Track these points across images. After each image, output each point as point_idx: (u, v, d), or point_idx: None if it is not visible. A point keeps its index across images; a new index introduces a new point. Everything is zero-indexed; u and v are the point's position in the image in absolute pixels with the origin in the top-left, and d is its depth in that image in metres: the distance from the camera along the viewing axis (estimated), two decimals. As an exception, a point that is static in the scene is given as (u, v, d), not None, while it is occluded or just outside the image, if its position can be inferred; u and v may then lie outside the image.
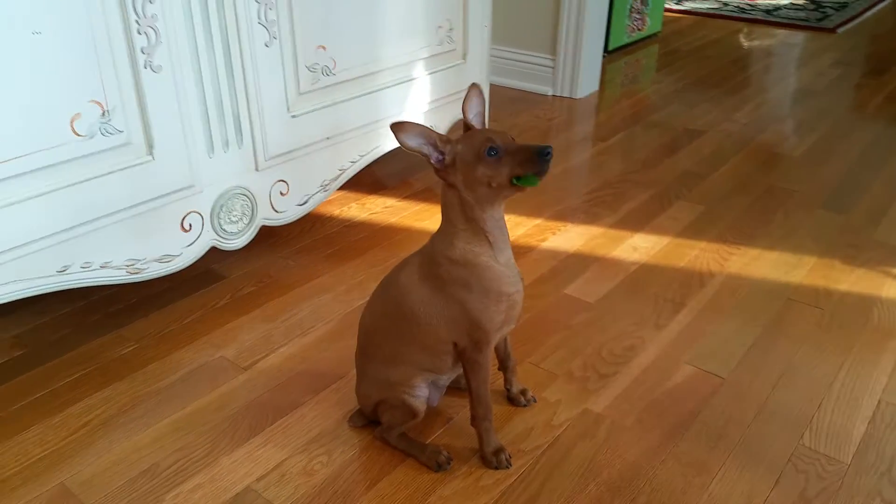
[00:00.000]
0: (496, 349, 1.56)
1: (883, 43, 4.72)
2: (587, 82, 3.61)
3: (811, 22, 4.99)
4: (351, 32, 2.08)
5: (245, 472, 1.44)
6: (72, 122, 1.54)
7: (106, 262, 1.67)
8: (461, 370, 1.44)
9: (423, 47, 2.36)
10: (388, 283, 1.45)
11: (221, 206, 1.87)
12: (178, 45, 1.67)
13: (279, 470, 1.45)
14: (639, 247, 2.25)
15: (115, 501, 1.39)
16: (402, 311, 1.39)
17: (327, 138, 2.10)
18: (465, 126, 1.34)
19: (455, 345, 1.38)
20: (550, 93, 3.63)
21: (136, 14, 1.57)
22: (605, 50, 4.06)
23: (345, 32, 2.06)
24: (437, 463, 1.45)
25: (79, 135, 1.56)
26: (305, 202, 2.11)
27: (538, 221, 2.39)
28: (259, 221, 1.99)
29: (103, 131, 1.60)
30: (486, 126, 1.39)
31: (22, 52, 1.44)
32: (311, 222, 2.35)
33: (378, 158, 2.32)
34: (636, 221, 2.40)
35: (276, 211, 2.03)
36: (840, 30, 4.86)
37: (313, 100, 2.04)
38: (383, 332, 1.44)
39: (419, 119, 2.37)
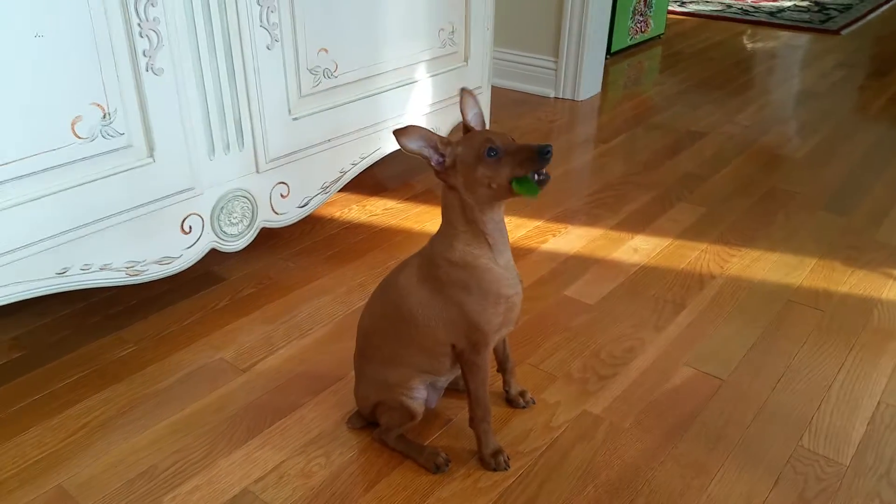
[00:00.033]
0: (495, 351, 1.56)
1: (887, 45, 4.71)
2: (589, 84, 3.61)
3: (815, 24, 4.98)
4: (353, 35, 2.09)
5: (243, 474, 1.45)
6: (73, 124, 1.55)
7: (106, 264, 1.68)
8: (459, 372, 1.44)
9: (425, 50, 2.36)
10: (387, 285, 1.45)
11: (222, 208, 1.88)
12: (179, 48, 1.67)
13: (277, 472, 1.45)
14: (639, 248, 2.25)
15: (112, 503, 1.39)
16: (400, 313, 1.39)
17: (328, 140, 2.11)
18: (465, 128, 1.35)
19: (453, 346, 1.38)
20: (553, 95, 3.63)
21: (139, 17, 1.58)
22: (608, 52, 4.06)
23: (347, 35, 2.07)
24: (435, 465, 1.45)
25: (79, 137, 1.56)
26: (306, 204, 2.12)
27: (539, 223, 2.40)
28: (259, 223, 2.00)
29: (104, 134, 1.60)
30: (487, 127, 1.40)
31: (23, 54, 1.44)
32: (312, 224, 2.35)
33: (379, 160, 2.33)
34: (637, 223, 2.40)
35: (277, 213, 2.04)
36: (844, 32, 4.86)
37: (314, 102, 2.05)
38: (382, 333, 1.44)
39: (420, 122, 2.38)
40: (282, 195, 2.03)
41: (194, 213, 1.82)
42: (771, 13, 5.25)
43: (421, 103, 2.39)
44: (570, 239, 2.30)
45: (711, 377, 1.71)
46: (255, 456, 1.49)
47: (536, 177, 1.24)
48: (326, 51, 2.03)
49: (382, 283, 1.47)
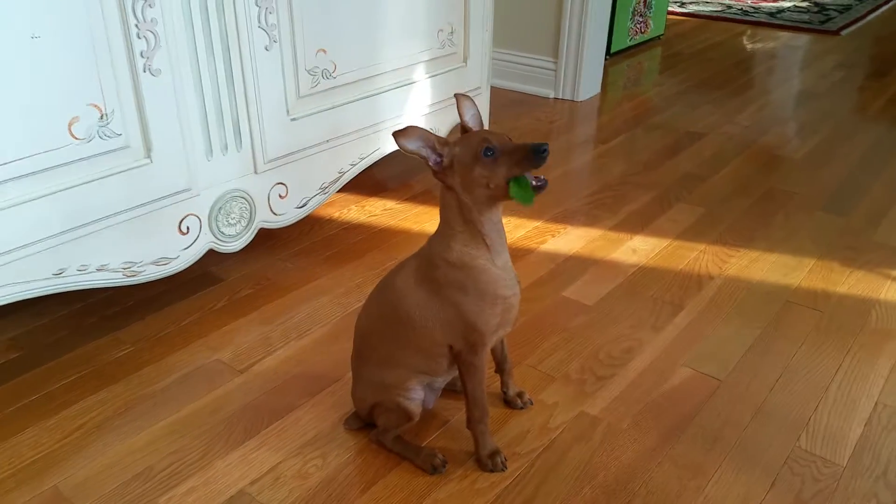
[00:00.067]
0: (493, 352, 1.56)
1: (886, 45, 4.70)
2: (589, 85, 3.61)
3: (814, 24, 4.98)
4: (351, 35, 2.08)
5: (239, 476, 1.44)
6: (70, 125, 1.54)
7: (103, 265, 1.67)
8: (457, 373, 1.43)
9: (424, 50, 2.36)
10: (385, 286, 1.45)
11: (219, 208, 1.88)
12: (177, 49, 1.67)
13: (273, 473, 1.45)
14: (638, 249, 2.25)
15: (108, 504, 1.39)
16: (397, 314, 1.39)
17: (327, 141, 2.10)
18: (463, 129, 1.35)
19: (451, 347, 1.38)
20: (552, 96, 3.63)
21: (136, 18, 1.58)
22: (608, 53, 4.06)
23: (345, 36, 2.07)
24: (432, 466, 1.45)
25: (76, 138, 1.56)
26: (304, 205, 2.11)
27: (538, 224, 2.39)
28: (257, 224, 2.00)
29: (101, 134, 1.60)
30: (485, 128, 1.40)
31: (20, 55, 1.44)
32: (310, 225, 2.35)
33: (379, 161, 2.33)
34: (636, 224, 2.40)
35: (275, 213, 2.04)
36: (843, 32, 4.85)
37: (313, 103, 2.05)
38: (379, 334, 1.44)
39: (419, 122, 2.38)
40: (280, 196, 2.03)
41: (192, 214, 1.82)
42: (770, 14, 5.25)
43: (420, 104, 2.39)
44: (569, 239, 2.30)
45: (709, 378, 1.71)
46: (252, 457, 1.49)
47: (534, 182, 1.24)
48: (325, 51, 2.02)
49: (380, 284, 1.47)
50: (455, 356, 1.39)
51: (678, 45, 4.56)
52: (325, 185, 2.16)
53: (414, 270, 1.38)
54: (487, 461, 1.46)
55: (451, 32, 2.43)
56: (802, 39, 4.75)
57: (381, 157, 2.31)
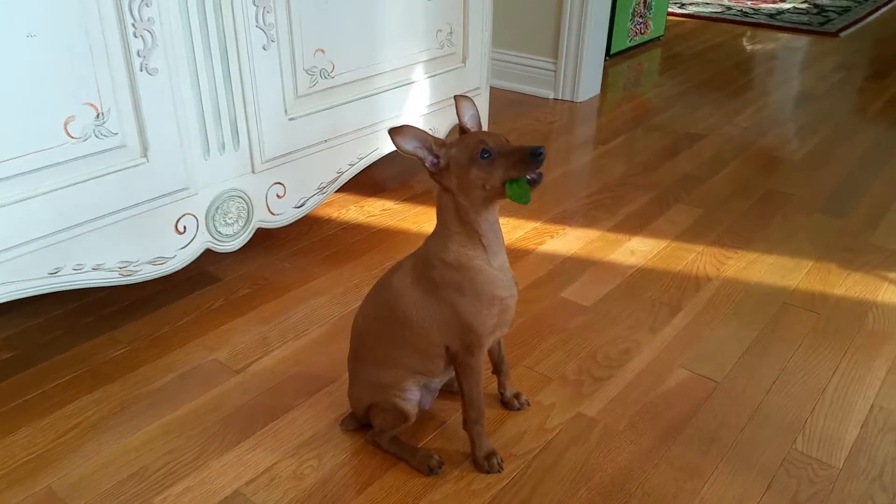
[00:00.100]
0: (490, 353, 1.56)
1: (885, 47, 4.70)
2: (589, 86, 3.61)
3: (814, 26, 4.98)
4: (350, 35, 2.08)
5: (234, 476, 1.44)
6: (66, 124, 1.54)
7: (99, 264, 1.67)
8: (453, 373, 1.43)
9: (423, 51, 2.36)
10: (382, 286, 1.44)
11: (217, 208, 1.87)
12: (174, 49, 1.67)
13: (269, 474, 1.45)
14: (636, 250, 2.25)
15: (103, 504, 1.39)
16: (394, 314, 1.38)
17: (325, 141, 2.10)
18: (461, 129, 1.34)
19: (447, 348, 1.38)
20: (552, 96, 3.63)
21: (133, 17, 1.57)
22: (608, 54, 4.06)
23: (344, 35, 2.06)
24: (428, 467, 1.45)
25: (72, 137, 1.56)
26: (302, 205, 2.11)
27: (536, 225, 2.39)
28: (255, 224, 1.99)
29: (97, 134, 1.60)
30: (484, 128, 1.39)
31: (16, 54, 1.44)
32: (309, 224, 2.35)
33: (378, 161, 2.32)
34: (634, 225, 2.40)
35: (273, 213, 2.03)
36: (843, 34, 4.85)
37: (311, 103, 2.04)
38: (375, 334, 1.44)
39: (418, 123, 2.37)
40: (278, 195, 2.03)
41: (189, 214, 1.82)
42: (770, 15, 5.25)
43: (419, 104, 2.39)
44: (568, 240, 2.30)
45: (706, 379, 1.71)
46: (247, 457, 1.48)
47: (529, 175, 1.24)
48: (323, 51, 2.02)
49: (377, 284, 1.46)
50: (451, 357, 1.38)
51: (678, 46, 4.56)
52: (324, 185, 2.16)
53: (411, 270, 1.38)
54: (484, 462, 1.45)
55: (451, 32, 2.43)
56: (802, 41, 4.75)
57: (379, 157, 2.31)
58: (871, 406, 1.63)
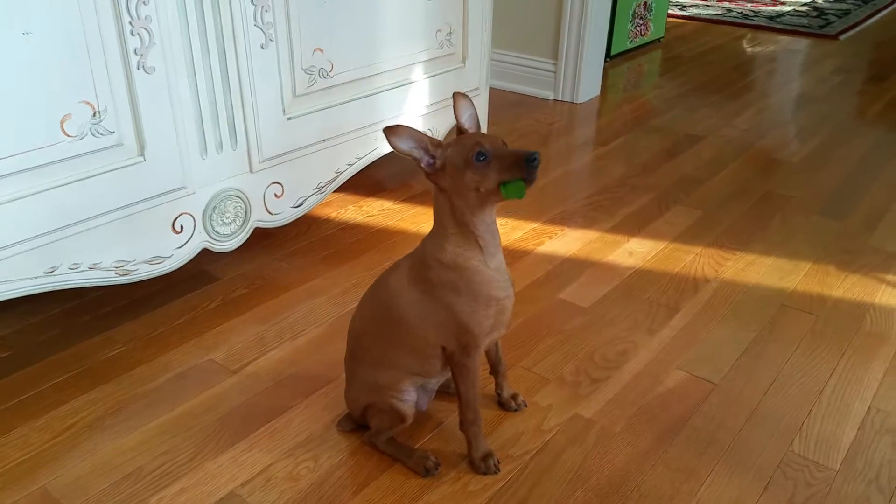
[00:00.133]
0: (487, 353, 1.56)
1: (885, 50, 4.70)
2: (588, 87, 3.60)
3: (814, 28, 4.98)
4: (349, 35, 2.08)
5: (230, 477, 1.44)
6: (62, 122, 1.54)
7: (95, 264, 1.67)
8: (450, 374, 1.43)
9: (423, 50, 2.35)
10: (378, 286, 1.44)
11: (214, 207, 1.87)
12: (172, 47, 1.66)
13: (264, 475, 1.44)
14: (635, 251, 2.24)
15: (98, 505, 1.38)
16: (391, 315, 1.38)
17: (324, 141, 2.10)
18: (459, 130, 1.34)
19: (444, 349, 1.37)
20: (552, 97, 3.63)
21: (130, 15, 1.57)
22: (608, 55, 4.05)
23: (343, 35, 2.06)
24: (424, 468, 1.45)
25: (69, 135, 1.56)
26: (300, 204, 2.11)
27: (535, 225, 2.39)
28: (252, 223, 1.99)
29: (94, 132, 1.59)
30: (482, 129, 1.39)
31: (12, 52, 1.43)
32: (307, 224, 2.34)
33: (377, 161, 2.32)
34: (633, 226, 2.39)
35: (271, 213, 2.03)
36: (842, 37, 4.85)
37: (309, 102, 2.04)
38: (372, 335, 1.43)
39: (417, 123, 2.37)
40: (276, 195, 2.02)
41: (186, 213, 1.81)
42: (770, 18, 5.24)
43: (418, 104, 2.38)
44: (566, 241, 2.30)
45: (704, 381, 1.70)
46: (243, 458, 1.48)
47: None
48: (322, 51, 2.02)
49: (373, 285, 1.46)
50: (448, 358, 1.38)
51: (678, 47, 4.56)
52: (322, 184, 2.15)
53: (408, 270, 1.37)
54: (480, 463, 1.45)
55: (450, 33, 2.43)
56: (802, 43, 4.75)
57: (378, 157, 2.31)
58: (869, 408, 1.62)
